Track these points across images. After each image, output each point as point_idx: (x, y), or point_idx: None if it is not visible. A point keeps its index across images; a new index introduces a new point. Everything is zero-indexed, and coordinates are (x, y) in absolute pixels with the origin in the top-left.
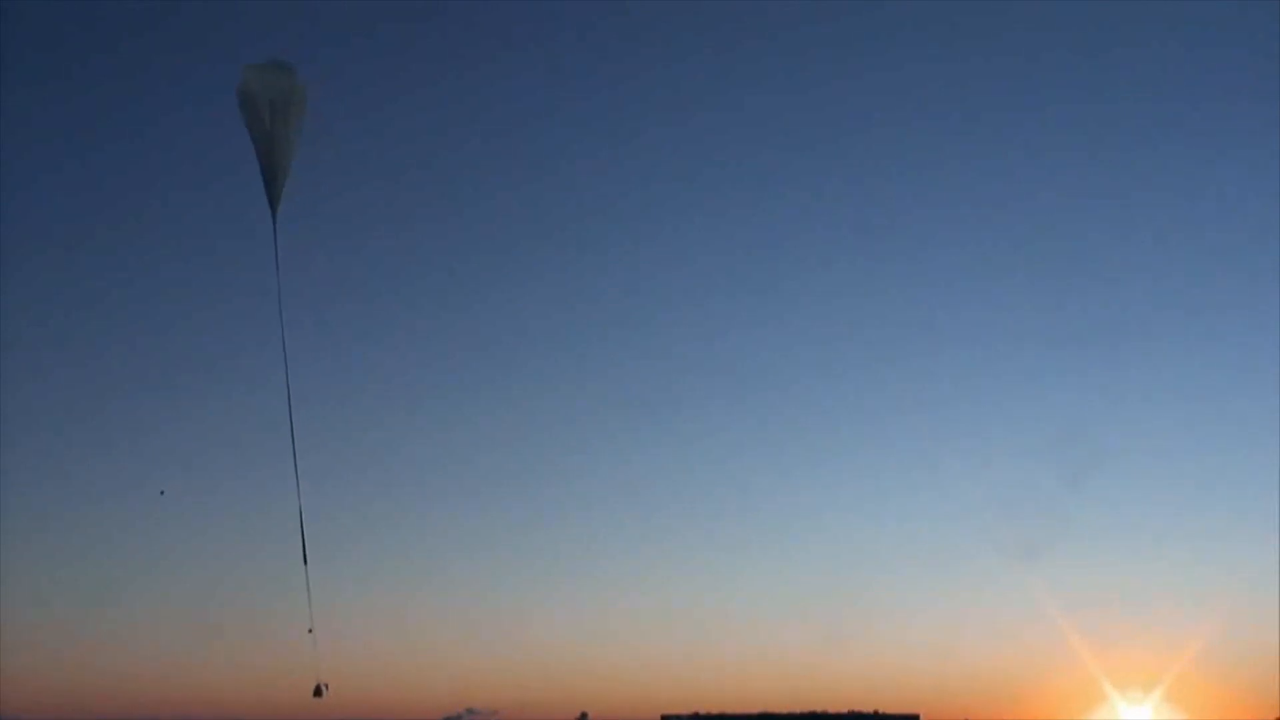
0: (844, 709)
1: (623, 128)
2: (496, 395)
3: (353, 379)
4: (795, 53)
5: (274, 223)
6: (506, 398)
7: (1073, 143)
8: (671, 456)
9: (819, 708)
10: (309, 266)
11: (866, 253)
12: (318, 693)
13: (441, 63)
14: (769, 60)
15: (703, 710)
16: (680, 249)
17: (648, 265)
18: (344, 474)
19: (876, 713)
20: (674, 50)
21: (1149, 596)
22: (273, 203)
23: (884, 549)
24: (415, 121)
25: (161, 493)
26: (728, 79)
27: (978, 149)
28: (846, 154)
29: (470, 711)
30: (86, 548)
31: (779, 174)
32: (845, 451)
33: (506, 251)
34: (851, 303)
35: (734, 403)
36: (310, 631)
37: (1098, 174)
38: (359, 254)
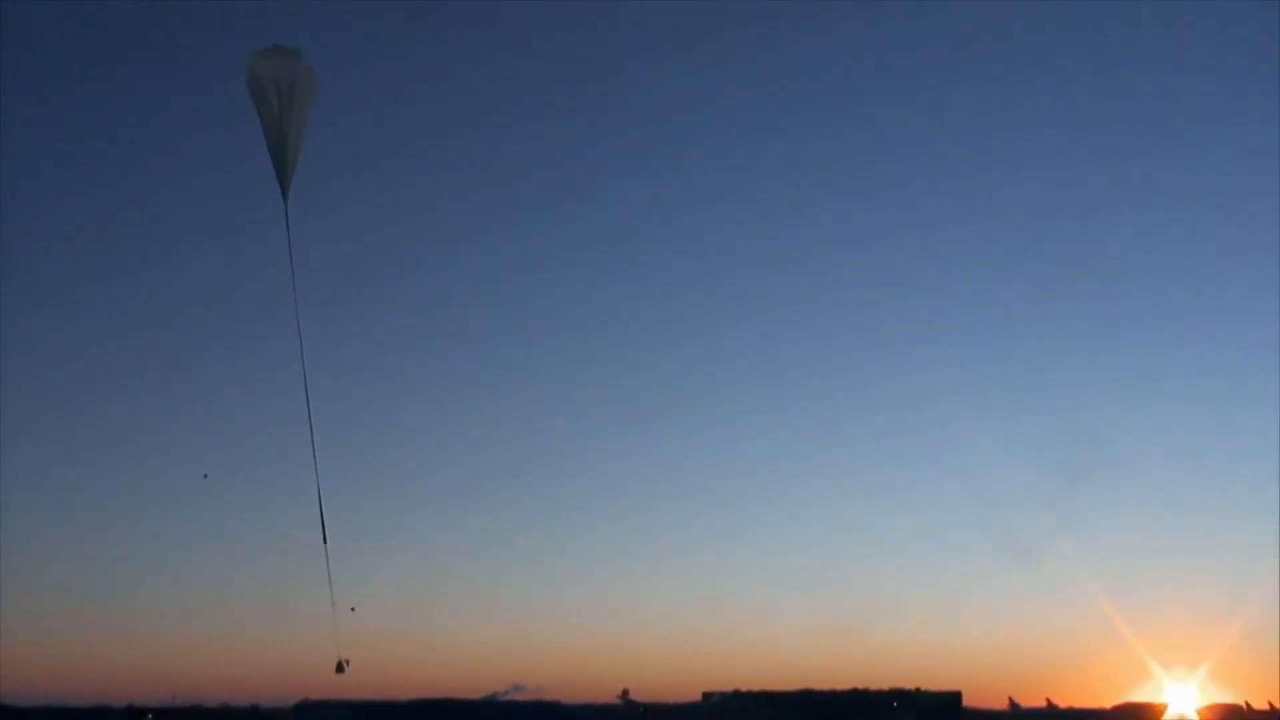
0: (886, 687)
1: (623, 127)
2: (551, 378)
3: (387, 361)
4: (816, 55)
5: (285, 206)
6: (561, 381)
7: (1073, 143)
8: (716, 444)
9: (861, 685)
10: (323, 251)
11: (871, 254)
12: (340, 669)
13: (461, 54)
14: (789, 62)
15: (744, 688)
16: (718, 243)
17: (693, 251)
18: (393, 459)
19: (919, 690)
20: (700, 49)
21: (1194, 576)
22: (284, 186)
23: (927, 531)
24: (416, 116)
25: (205, 476)
26: (730, 79)
27: (978, 149)
28: (847, 154)
29: (516, 688)
30: (110, 534)
31: (781, 174)
32: (885, 436)
33: (548, 234)
34: (884, 292)
35: (777, 392)
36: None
37: (1099, 174)
38: (375, 237)
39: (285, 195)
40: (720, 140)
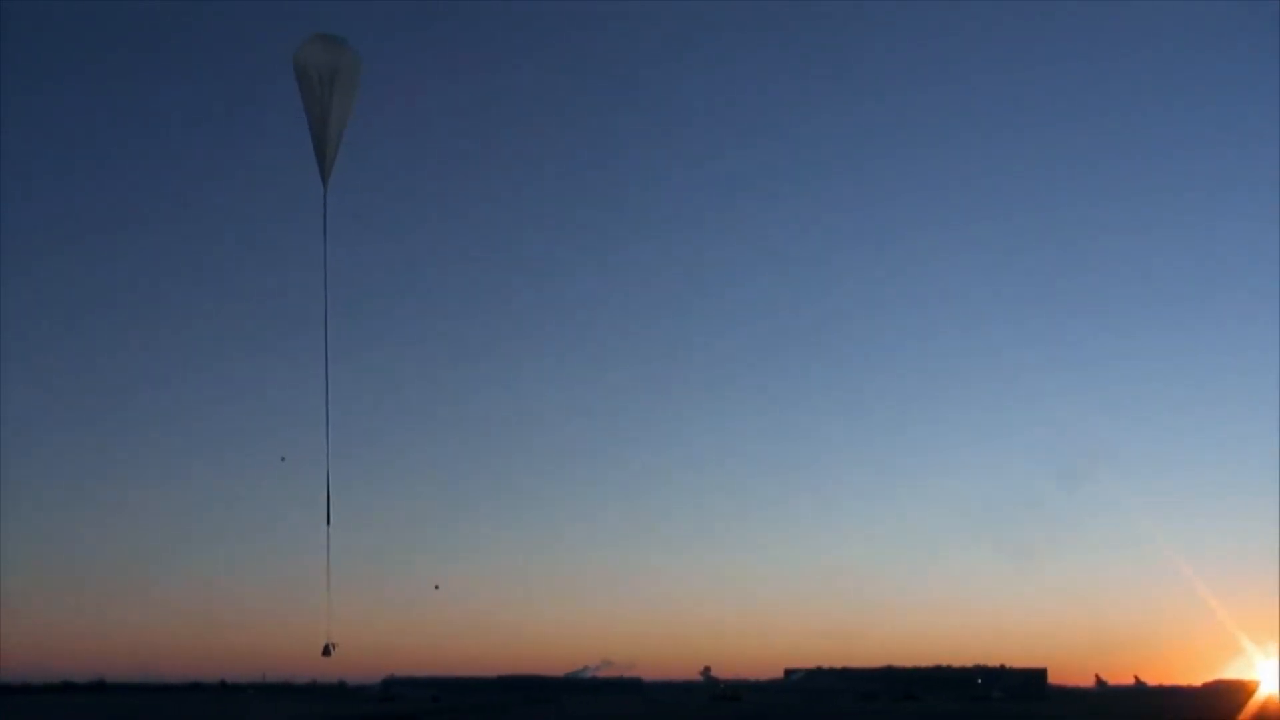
0: (969, 663)
1: (623, 125)
2: (637, 356)
3: (462, 338)
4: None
5: (324, 193)
6: (651, 359)
7: (1073, 146)
8: (796, 426)
9: (944, 662)
10: (352, 243)
11: (873, 254)
12: (326, 652)
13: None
14: (792, 62)
15: (825, 665)
16: (723, 243)
17: (718, 248)
18: (479, 439)
19: (1003, 667)
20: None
21: None
22: (324, 173)
23: (1012, 506)
24: (415, 117)
25: (282, 459)
26: (730, 80)
27: (978, 150)
28: (846, 155)
29: (606, 663)
30: (194, 520)
31: (782, 175)
32: (970, 408)
33: (583, 223)
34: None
35: (858, 375)
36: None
37: (1098, 177)
38: (378, 237)
39: (325, 182)
40: (720, 140)
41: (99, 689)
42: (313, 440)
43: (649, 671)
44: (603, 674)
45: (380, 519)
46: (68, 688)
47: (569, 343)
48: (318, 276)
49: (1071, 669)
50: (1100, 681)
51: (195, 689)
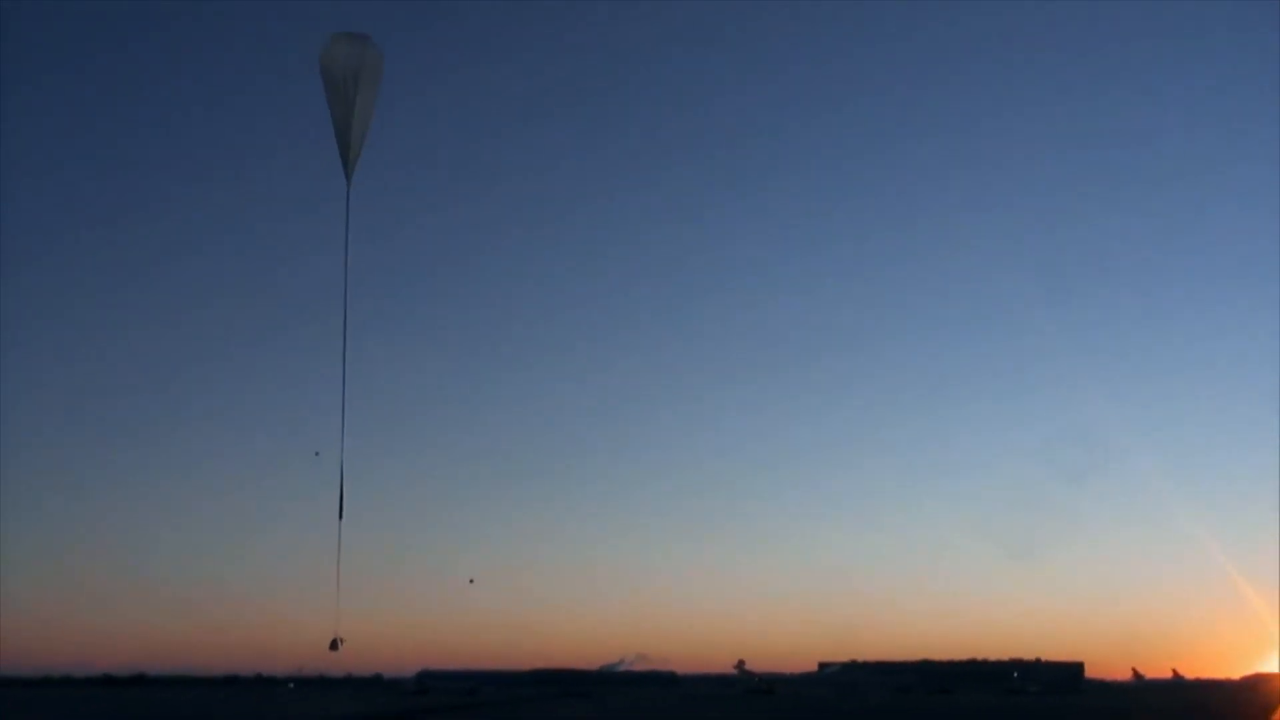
0: (1006, 657)
1: (624, 124)
2: (670, 359)
3: (491, 339)
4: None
5: (348, 190)
6: (684, 360)
7: (1076, 146)
8: (828, 421)
9: (980, 656)
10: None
11: (876, 255)
12: (334, 646)
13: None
14: (797, 62)
15: (860, 658)
16: (728, 243)
17: (722, 248)
18: (513, 433)
19: (1039, 660)
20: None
21: None
22: (348, 170)
23: (1048, 498)
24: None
25: (316, 454)
26: (732, 79)
27: (982, 150)
28: (849, 155)
29: (640, 656)
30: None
31: (786, 175)
32: (1001, 399)
33: (620, 221)
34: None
35: (891, 372)
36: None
37: (1100, 177)
38: (385, 236)
39: (349, 179)
40: (720, 140)
41: (138, 682)
42: (342, 434)
43: (683, 665)
44: (637, 667)
45: (417, 514)
46: (108, 681)
47: (607, 338)
48: (333, 274)
49: (1109, 662)
50: (1137, 675)
51: (231, 682)
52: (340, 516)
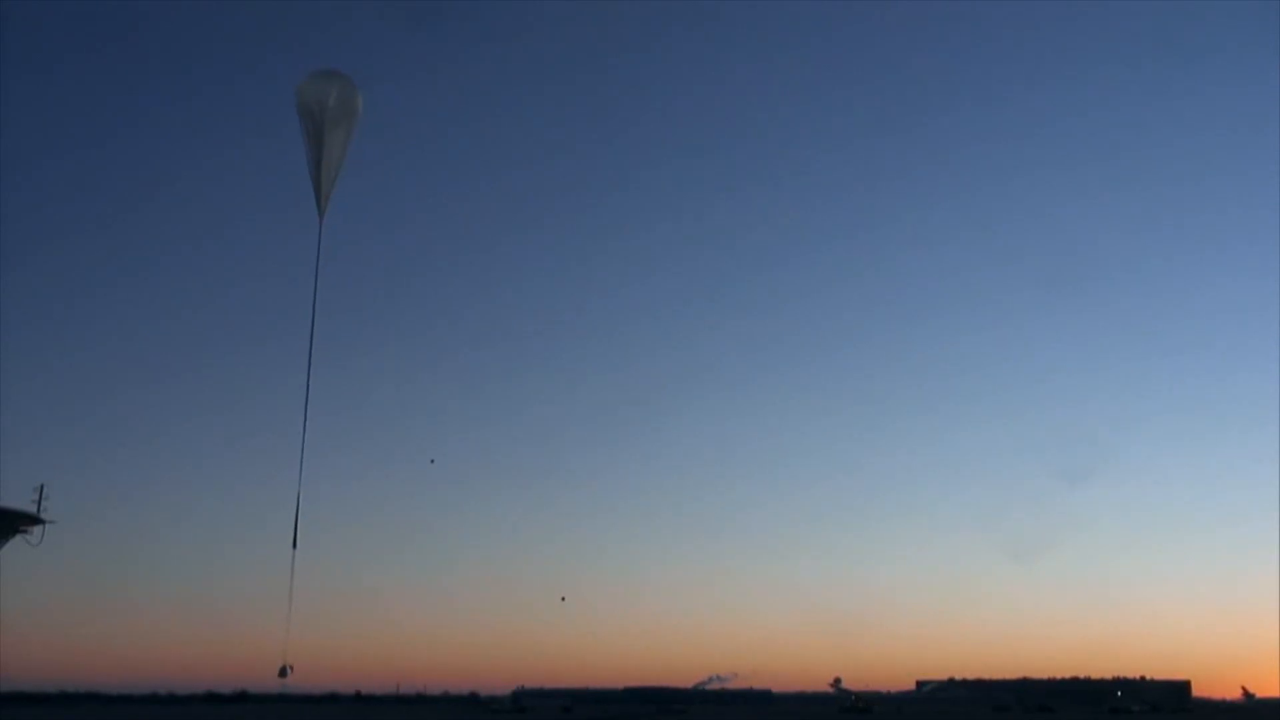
0: (1109, 676)
1: (624, 123)
2: (761, 382)
3: (515, 351)
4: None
5: (320, 224)
6: (770, 381)
7: (1075, 145)
8: (927, 442)
9: (1082, 674)
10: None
11: (875, 255)
12: (282, 673)
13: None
14: (799, 61)
15: (958, 676)
16: (727, 242)
17: (713, 247)
18: (615, 457)
19: (1143, 679)
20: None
21: None
22: (320, 205)
23: (1156, 516)
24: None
25: (431, 461)
26: (735, 78)
27: (981, 151)
28: (848, 155)
29: (733, 674)
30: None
31: (784, 174)
32: (1114, 413)
33: (600, 230)
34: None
35: (996, 391)
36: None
37: (1100, 176)
38: (380, 239)
39: (321, 214)
40: (719, 140)
41: (241, 699)
42: (300, 464)
43: (780, 683)
44: (732, 685)
45: (512, 534)
46: (212, 698)
47: (696, 354)
48: (320, 283)
49: (1217, 681)
50: (1247, 694)
51: (332, 699)
52: (294, 546)
